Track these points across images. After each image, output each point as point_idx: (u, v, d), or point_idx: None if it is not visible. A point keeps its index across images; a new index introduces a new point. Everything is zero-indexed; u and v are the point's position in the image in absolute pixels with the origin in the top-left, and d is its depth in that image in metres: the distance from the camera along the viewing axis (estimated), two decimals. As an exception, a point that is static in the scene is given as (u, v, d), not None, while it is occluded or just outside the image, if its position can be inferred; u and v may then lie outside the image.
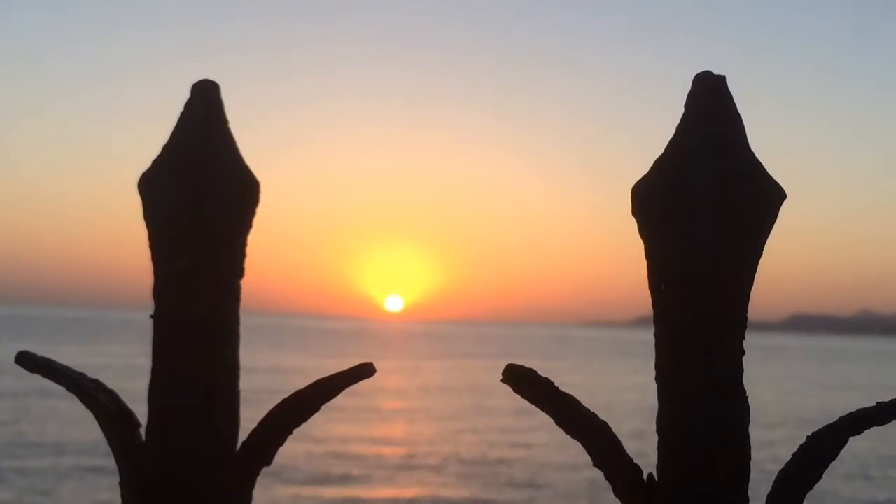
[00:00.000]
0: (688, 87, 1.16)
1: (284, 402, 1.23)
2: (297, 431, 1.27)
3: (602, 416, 1.16)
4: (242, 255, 1.27)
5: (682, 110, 1.16)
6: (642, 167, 1.19)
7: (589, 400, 1.13)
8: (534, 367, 1.16)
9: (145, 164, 1.27)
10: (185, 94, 1.29)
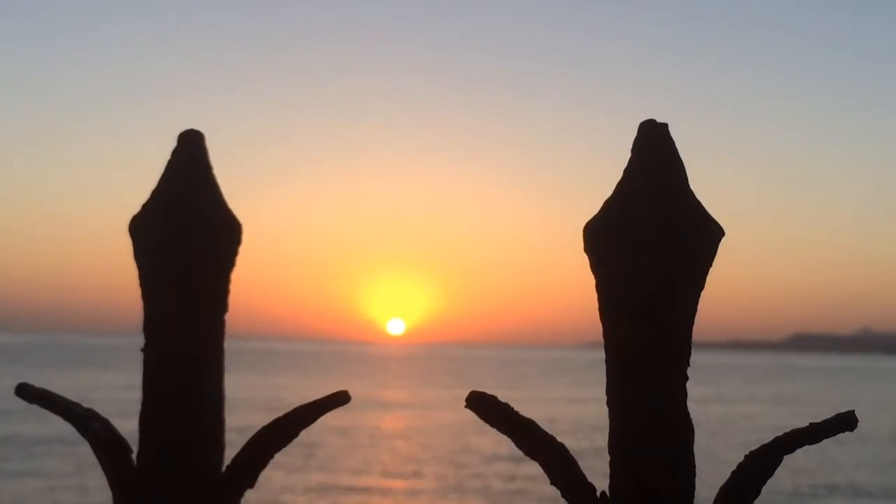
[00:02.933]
0: (634, 132, 1.26)
1: (265, 428, 1.33)
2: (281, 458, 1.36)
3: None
4: (226, 291, 1.36)
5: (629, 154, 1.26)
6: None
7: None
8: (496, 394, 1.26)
9: (135, 207, 1.37)
10: (172, 142, 1.39)
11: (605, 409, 1.24)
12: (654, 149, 1.24)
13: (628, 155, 1.25)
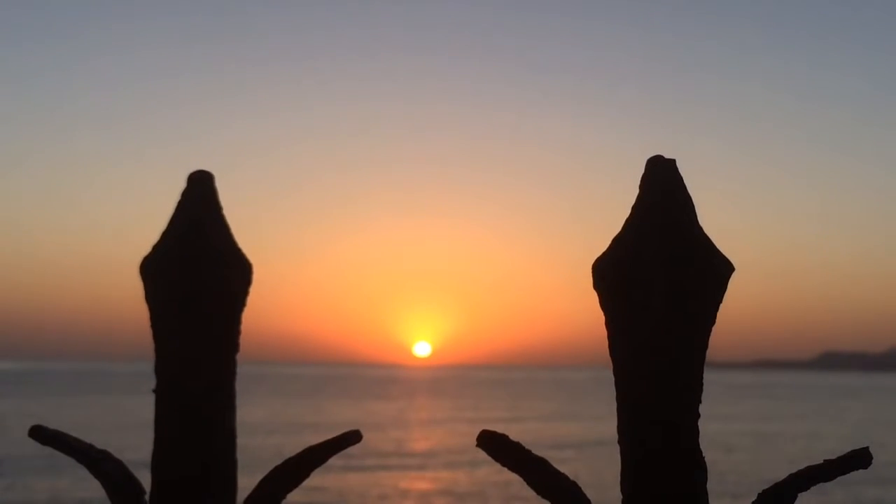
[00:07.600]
0: (641, 169, 1.25)
1: (276, 469, 1.32)
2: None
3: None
4: (237, 331, 1.36)
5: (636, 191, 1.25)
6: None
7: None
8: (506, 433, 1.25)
9: (146, 249, 1.37)
10: (182, 183, 1.39)
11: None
12: (662, 185, 1.23)
13: (636, 191, 1.25)
